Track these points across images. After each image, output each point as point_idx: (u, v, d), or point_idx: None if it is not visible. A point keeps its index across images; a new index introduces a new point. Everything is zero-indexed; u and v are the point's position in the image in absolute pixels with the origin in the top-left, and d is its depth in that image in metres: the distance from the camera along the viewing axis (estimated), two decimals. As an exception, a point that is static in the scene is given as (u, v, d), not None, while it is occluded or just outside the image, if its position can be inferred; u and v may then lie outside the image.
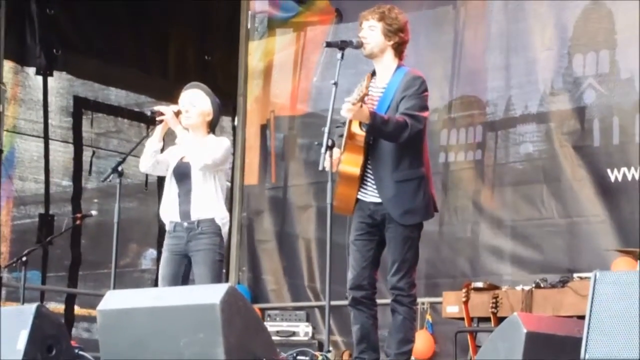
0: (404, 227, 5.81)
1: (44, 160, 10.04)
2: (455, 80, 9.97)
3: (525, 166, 9.54)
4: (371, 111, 5.67)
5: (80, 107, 10.36)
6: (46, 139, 10.06)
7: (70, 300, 10.16)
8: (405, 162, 5.80)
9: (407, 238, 5.81)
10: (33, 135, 10.01)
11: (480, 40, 9.93)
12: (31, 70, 10.03)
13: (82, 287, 10.21)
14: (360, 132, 5.77)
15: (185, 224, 6.39)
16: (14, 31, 9.82)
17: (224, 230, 6.42)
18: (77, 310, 10.16)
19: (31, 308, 5.37)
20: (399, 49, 5.95)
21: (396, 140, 5.73)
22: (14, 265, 8.42)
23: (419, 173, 5.84)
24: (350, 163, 5.80)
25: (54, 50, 10.06)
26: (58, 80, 10.19)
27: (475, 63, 9.92)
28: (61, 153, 10.20)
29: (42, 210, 9.99)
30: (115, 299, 5.21)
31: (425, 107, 5.84)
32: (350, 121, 5.74)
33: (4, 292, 9.25)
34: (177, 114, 6.49)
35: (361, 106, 5.58)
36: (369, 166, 5.85)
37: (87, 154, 10.29)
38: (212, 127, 6.60)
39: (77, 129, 10.32)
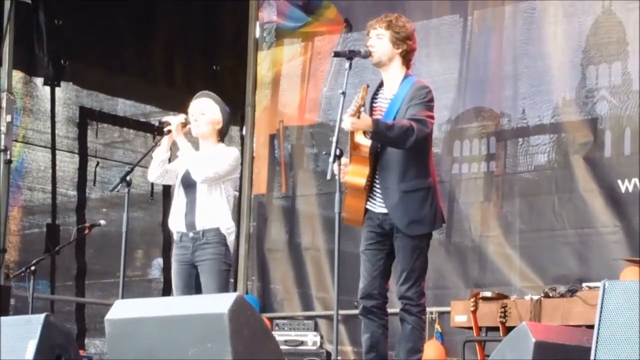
0: (413, 236, 5.81)
1: (52, 171, 10.05)
2: (466, 90, 9.95)
3: (537, 177, 9.52)
4: (373, 118, 5.67)
5: (86, 117, 10.34)
6: (53, 149, 10.06)
7: (80, 310, 10.16)
8: (412, 172, 5.80)
9: (416, 247, 5.81)
10: (40, 146, 10.01)
11: (491, 50, 9.91)
12: (39, 81, 10.02)
13: (89, 296, 10.20)
14: (364, 143, 5.77)
15: (191, 234, 6.39)
16: (23, 41, 9.81)
17: (230, 240, 6.40)
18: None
19: (39, 318, 5.38)
20: (406, 57, 5.95)
21: (403, 145, 5.71)
22: (22, 275, 8.43)
23: (427, 183, 5.85)
24: (356, 174, 5.80)
25: (62, 61, 10.06)
26: (65, 91, 10.17)
27: (486, 73, 9.91)
28: (67, 163, 10.19)
29: (49, 220, 9.98)
30: (123, 309, 5.21)
31: (431, 115, 5.84)
32: (353, 132, 5.73)
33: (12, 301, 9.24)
34: (184, 124, 6.50)
35: (359, 116, 5.58)
36: (376, 176, 5.85)
37: (91, 164, 10.27)
38: (222, 135, 6.60)
39: (82, 139, 10.31)
